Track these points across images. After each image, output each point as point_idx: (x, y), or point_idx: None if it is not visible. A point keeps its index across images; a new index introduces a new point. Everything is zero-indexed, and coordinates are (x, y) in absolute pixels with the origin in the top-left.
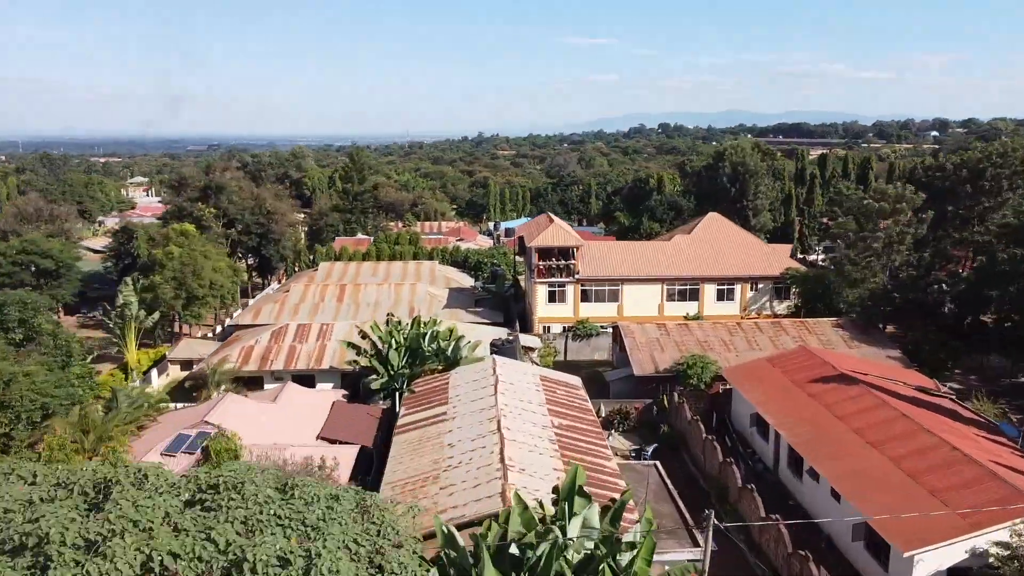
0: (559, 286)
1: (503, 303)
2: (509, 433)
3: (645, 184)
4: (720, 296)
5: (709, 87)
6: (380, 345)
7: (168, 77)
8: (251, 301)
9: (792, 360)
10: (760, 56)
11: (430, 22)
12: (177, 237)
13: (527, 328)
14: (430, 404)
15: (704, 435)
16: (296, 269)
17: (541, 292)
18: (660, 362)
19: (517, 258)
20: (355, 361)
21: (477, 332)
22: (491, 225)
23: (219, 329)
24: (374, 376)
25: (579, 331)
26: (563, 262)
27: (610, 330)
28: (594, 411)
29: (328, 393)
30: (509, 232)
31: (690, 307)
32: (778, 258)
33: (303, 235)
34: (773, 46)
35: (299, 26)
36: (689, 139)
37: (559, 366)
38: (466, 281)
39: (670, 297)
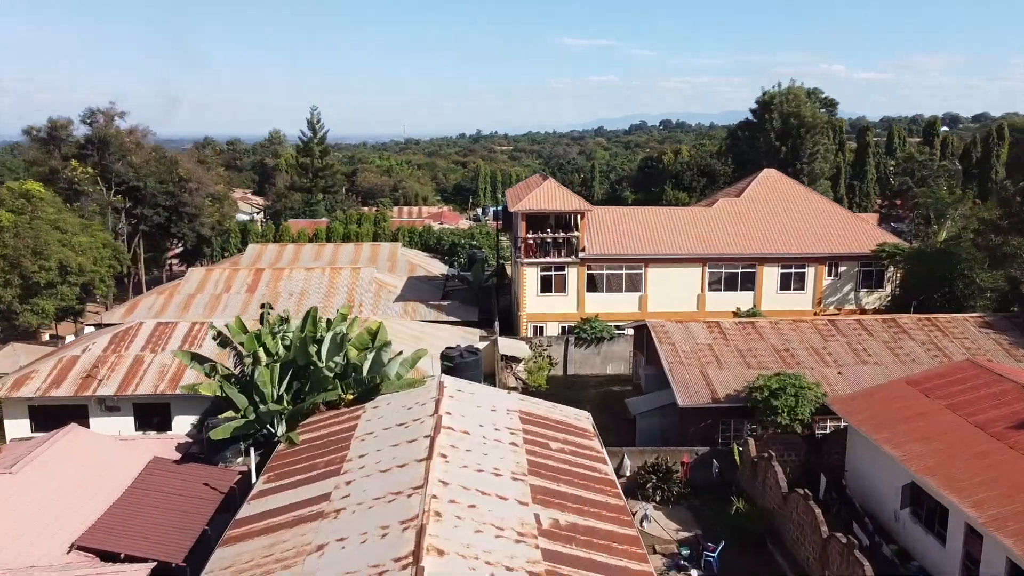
0: (556, 269)
1: (482, 295)
2: (440, 565)
3: (658, 162)
4: (785, 283)
5: (708, 88)
6: (244, 357)
7: (168, 76)
8: None
9: (958, 384)
10: (759, 57)
11: (428, 23)
12: (15, 200)
13: (512, 329)
14: (310, 472)
15: (824, 530)
16: (225, 254)
17: (530, 277)
18: (719, 384)
19: (503, 239)
20: (192, 387)
21: (435, 337)
22: (479, 211)
23: (90, 331)
24: (230, 413)
25: (585, 333)
26: (561, 235)
27: (630, 332)
28: (613, 472)
29: (142, 444)
30: (499, 217)
31: (742, 299)
32: (864, 229)
33: (260, 219)
34: (773, 47)
35: (299, 26)
36: (692, 135)
37: (555, 387)
38: (436, 268)
39: (713, 285)
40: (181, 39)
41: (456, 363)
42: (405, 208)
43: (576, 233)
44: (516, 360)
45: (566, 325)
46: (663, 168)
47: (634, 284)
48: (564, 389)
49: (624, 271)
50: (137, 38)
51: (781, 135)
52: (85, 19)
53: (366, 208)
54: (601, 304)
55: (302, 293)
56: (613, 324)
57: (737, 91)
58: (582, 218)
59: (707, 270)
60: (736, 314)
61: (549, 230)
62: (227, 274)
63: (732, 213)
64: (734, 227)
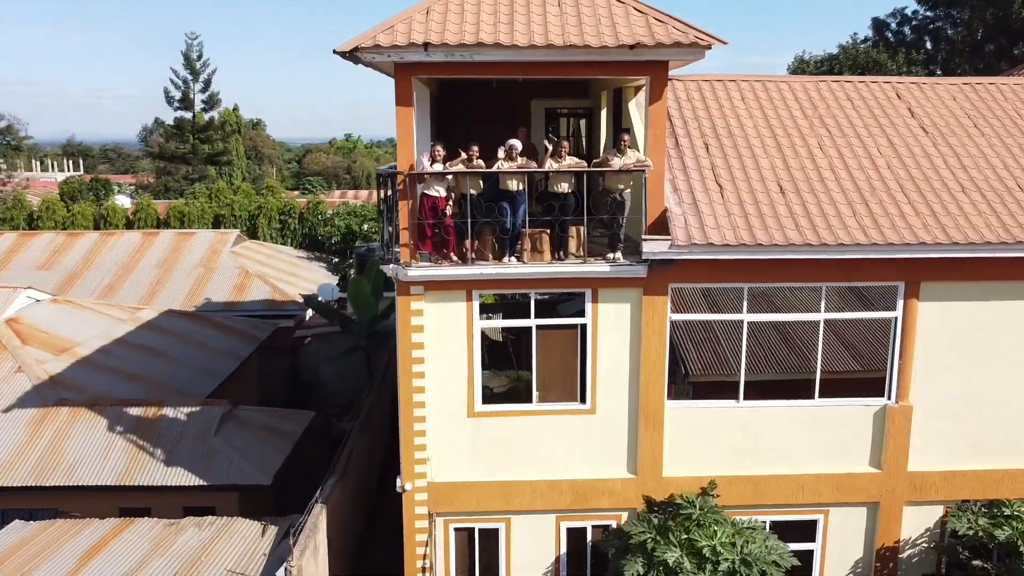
0: (544, 310)
1: (374, 360)
2: None
3: None
4: None
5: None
6: None
7: (164, 78)
8: None
9: None
10: (757, 58)
11: None
12: None
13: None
14: None
15: None
16: None
17: (436, 347)
18: None
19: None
20: None
21: None
22: None
23: None
24: None
25: (661, 571)
26: (565, 164)
27: None
28: None
29: None
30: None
31: None
32: None
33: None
34: (771, 47)
35: (297, 26)
36: None
37: None
38: (309, 280)
39: None
40: (179, 38)
41: None
42: (351, 192)
43: (622, 159)
44: None
45: (583, 527)
46: None
47: (862, 355)
48: None
49: (823, 304)
50: (133, 37)
51: None
52: (83, 18)
53: (296, 192)
54: (727, 447)
55: None
56: (772, 518)
57: None
58: (657, 98)
59: None
60: None
61: (519, 147)
62: None
63: None
64: None
